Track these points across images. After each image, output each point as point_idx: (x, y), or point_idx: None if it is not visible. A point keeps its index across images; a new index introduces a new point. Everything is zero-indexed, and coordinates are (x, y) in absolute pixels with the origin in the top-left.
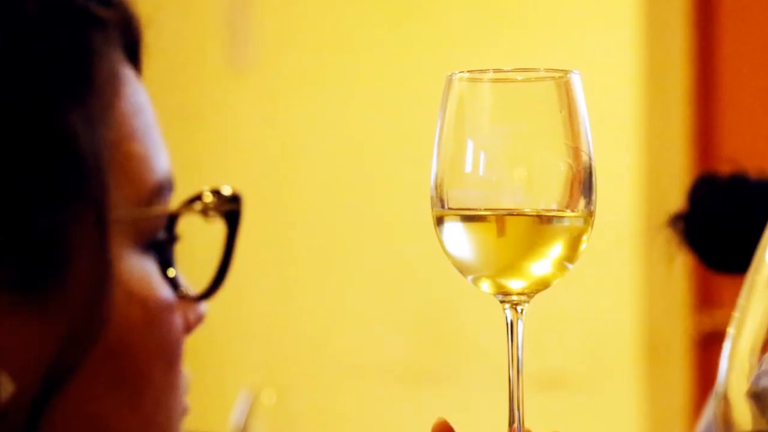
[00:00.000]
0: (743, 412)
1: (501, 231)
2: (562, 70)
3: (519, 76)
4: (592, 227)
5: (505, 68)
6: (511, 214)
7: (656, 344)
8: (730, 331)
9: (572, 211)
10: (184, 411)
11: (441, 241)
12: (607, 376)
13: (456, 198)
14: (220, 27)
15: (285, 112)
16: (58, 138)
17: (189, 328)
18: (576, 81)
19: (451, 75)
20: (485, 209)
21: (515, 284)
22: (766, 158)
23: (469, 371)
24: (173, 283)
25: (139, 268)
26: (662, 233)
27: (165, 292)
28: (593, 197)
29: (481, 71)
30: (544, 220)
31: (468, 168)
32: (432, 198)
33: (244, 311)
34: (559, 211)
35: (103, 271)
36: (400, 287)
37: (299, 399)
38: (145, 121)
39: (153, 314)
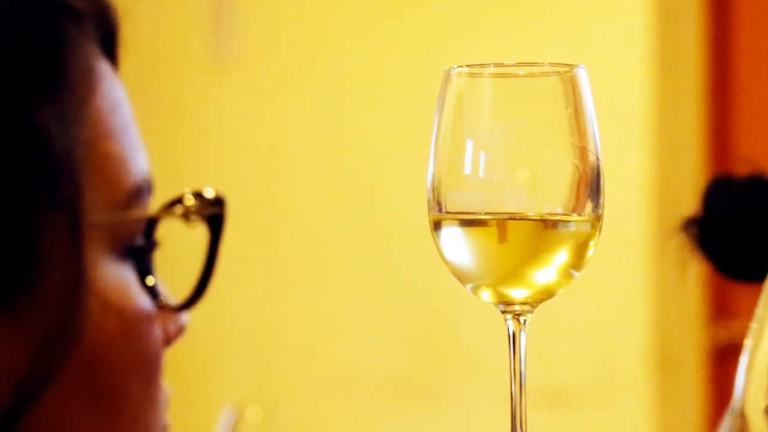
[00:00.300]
0: (761, 430)
1: (502, 236)
2: (567, 65)
3: (522, 70)
4: (599, 232)
5: (507, 62)
6: (514, 218)
7: (668, 357)
8: (748, 343)
9: (578, 215)
10: (164, 429)
11: (438, 248)
12: (616, 391)
13: (454, 201)
14: (202, 18)
15: (272, 110)
16: (29, 136)
17: (169, 340)
18: (582, 76)
19: (449, 70)
20: (485, 213)
21: (518, 293)
22: None
23: (469, 386)
24: (152, 292)
25: (116, 276)
26: (675, 239)
27: (143, 301)
28: (601, 200)
29: (482, 65)
30: (548, 224)
31: (467, 169)
32: (429, 201)
33: (228, 322)
34: (564, 215)
35: (77, 278)
36: (395, 296)
37: (287, 416)
38: (122, 119)
39: (130, 325)
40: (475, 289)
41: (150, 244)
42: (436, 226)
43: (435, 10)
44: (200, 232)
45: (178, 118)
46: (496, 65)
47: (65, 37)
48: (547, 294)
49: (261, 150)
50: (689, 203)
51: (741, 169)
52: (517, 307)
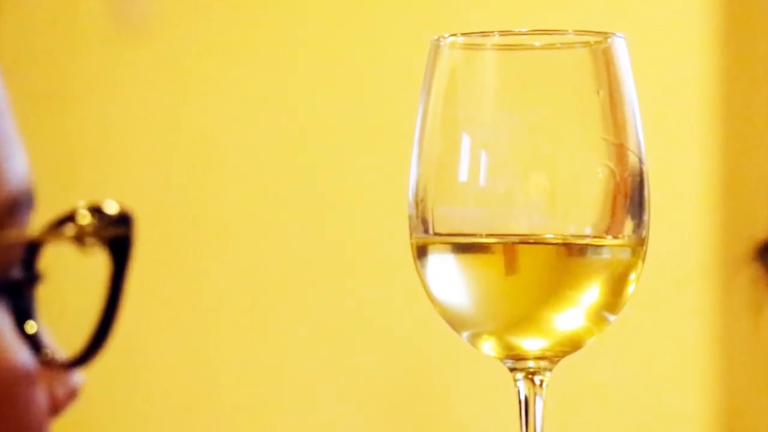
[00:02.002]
0: None
1: (511, 267)
2: (600, 33)
3: (537, 41)
4: (643, 261)
5: (517, 29)
6: (526, 242)
7: (738, 429)
8: None
9: (615, 237)
10: None
11: (424, 282)
12: None
13: (446, 218)
14: None
15: (197, 94)
16: None
17: (57, 407)
18: (620, 48)
19: (438, 39)
20: (488, 235)
21: (532, 344)
22: None
23: None
24: (34, 342)
25: None
26: (746, 269)
27: (21, 355)
28: (645, 217)
29: (483, 34)
30: (573, 250)
31: (463, 175)
32: (411, 218)
33: (137, 383)
34: (595, 237)
35: None
36: (366, 347)
37: None
38: None
39: (4, 387)
40: (474, 339)
41: (31, 277)
42: (421, 252)
43: None
44: (99, 261)
45: (70, 105)
46: (502, 33)
47: None
48: (572, 345)
49: (182, 148)
50: (765, 221)
51: None
52: (531, 363)
